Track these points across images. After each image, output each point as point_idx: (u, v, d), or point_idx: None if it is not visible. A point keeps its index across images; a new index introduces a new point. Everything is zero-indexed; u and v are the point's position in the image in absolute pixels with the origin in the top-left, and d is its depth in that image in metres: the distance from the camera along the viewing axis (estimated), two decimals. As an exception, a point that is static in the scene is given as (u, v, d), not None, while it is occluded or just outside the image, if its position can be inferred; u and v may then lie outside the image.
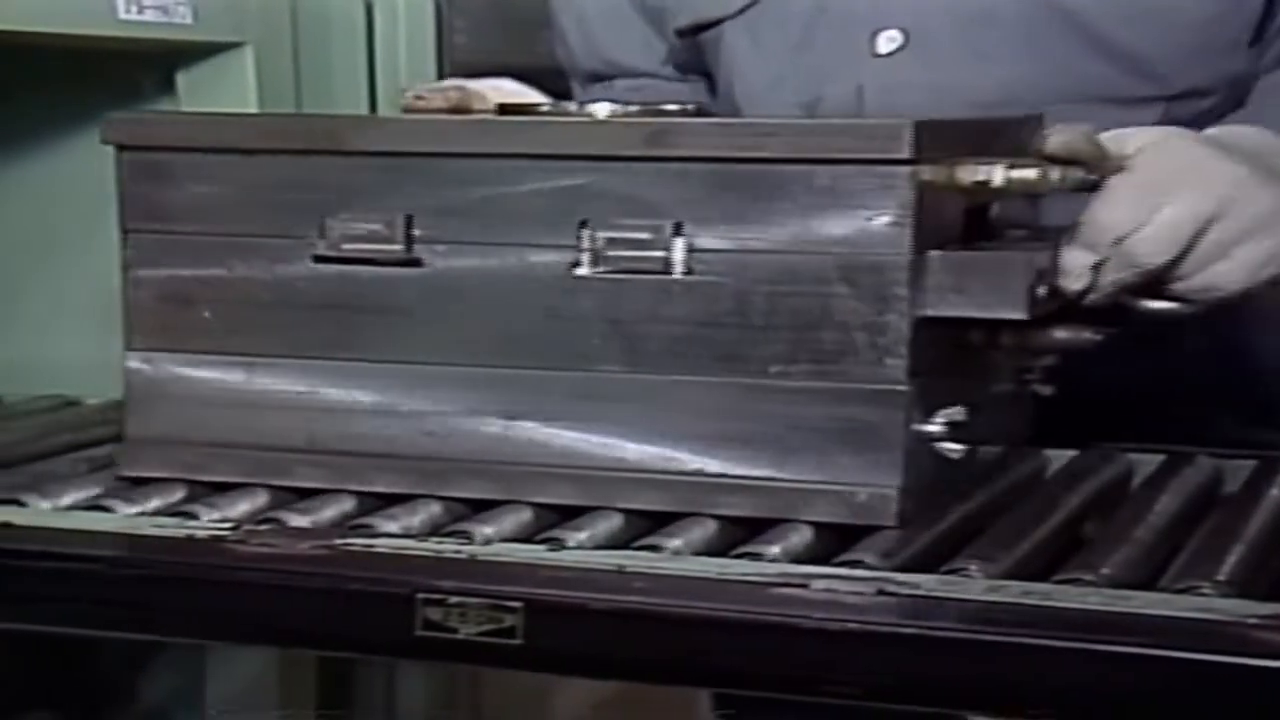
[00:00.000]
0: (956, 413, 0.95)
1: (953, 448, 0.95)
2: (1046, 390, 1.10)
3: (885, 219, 0.92)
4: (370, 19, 1.45)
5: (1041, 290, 0.96)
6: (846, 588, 0.82)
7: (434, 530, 0.97)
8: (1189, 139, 1.04)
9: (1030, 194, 1.00)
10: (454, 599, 0.88)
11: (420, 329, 1.00)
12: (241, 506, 1.01)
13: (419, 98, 1.15)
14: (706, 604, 0.84)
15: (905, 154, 0.91)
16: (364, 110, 1.47)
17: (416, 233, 0.99)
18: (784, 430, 0.94)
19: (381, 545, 0.94)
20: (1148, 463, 1.13)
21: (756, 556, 0.90)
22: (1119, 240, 0.99)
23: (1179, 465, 1.11)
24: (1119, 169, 1.00)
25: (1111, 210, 0.99)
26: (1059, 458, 1.14)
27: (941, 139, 0.95)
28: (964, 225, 1.00)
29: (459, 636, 0.88)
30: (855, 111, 1.20)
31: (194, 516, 1.00)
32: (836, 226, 0.92)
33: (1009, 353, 1.02)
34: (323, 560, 0.93)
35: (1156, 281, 1.02)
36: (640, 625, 0.85)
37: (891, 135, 0.91)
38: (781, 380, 0.94)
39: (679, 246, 0.95)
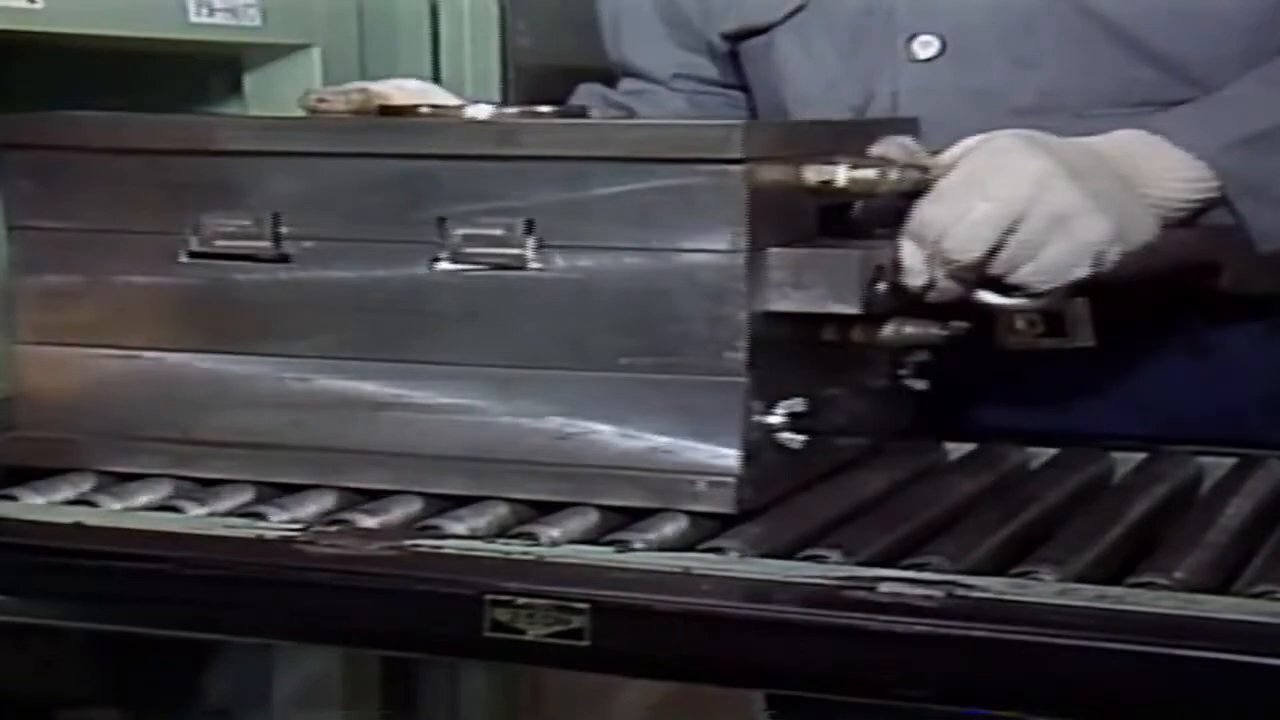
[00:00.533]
0: (797, 404, 0.99)
1: (793, 438, 0.98)
2: (920, 385, 1.14)
3: (721, 217, 0.95)
4: (435, 20, 1.45)
5: (882, 286, 1.00)
6: (915, 591, 0.81)
7: (500, 532, 0.97)
8: (1011, 138, 1.04)
9: (869, 194, 1.02)
10: (521, 600, 0.88)
11: (290, 322, 1.04)
12: (310, 508, 1.02)
13: (321, 100, 1.16)
14: (774, 606, 0.84)
15: (737, 154, 0.94)
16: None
17: (284, 230, 1.02)
18: (631, 420, 0.97)
19: (449, 547, 0.95)
20: (1218, 466, 1.12)
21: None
22: (938, 237, 1.02)
23: (1250, 468, 1.10)
24: (949, 169, 1.03)
25: (932, 207, 1.02)
26: (1125, 461, 1.14)
27: (784, 141, 1.01)
28: (821, 223, 1.03)
29: (527, 638, 0.88)
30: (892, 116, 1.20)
31: (263, 517, 1.00)
32: (676, 224, 0.96)
33: (866, 348, 1.05)
34: (391, 561, 0.93)
35: (991, 277, 1.03)
36: (707, 627, 0.85)
37: (723, 137, 0.95)
38: (628, 372, 0.97)
39: (530, 244, 0.98)
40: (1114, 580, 0.87)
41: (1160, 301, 1.19)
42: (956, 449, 1.18)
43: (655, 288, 0.96)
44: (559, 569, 0.91)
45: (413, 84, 1.23)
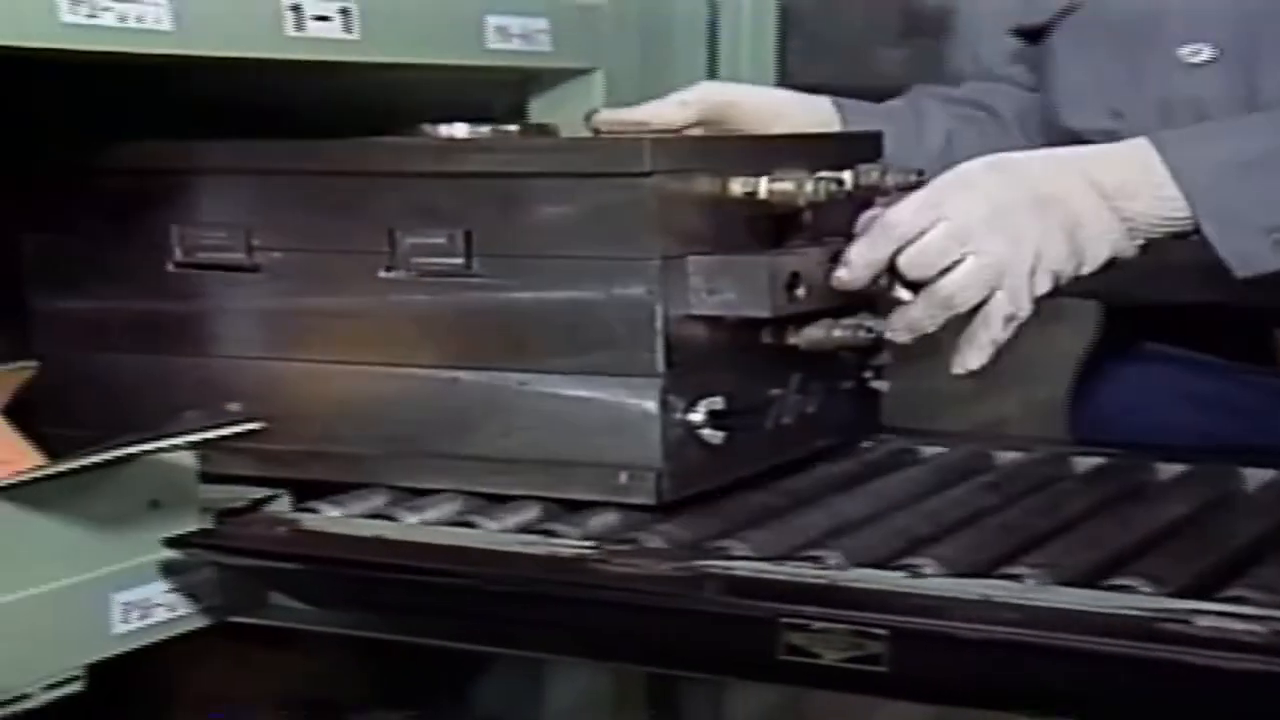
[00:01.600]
0: (717, 402, 1.05)
1: (714, 434, 1.05)
2: (883, 386, 1.20)
3: (634, 227, 1.02)
4: (713, 40, 1.46)
5: (800, 291, 1.06)
6: (1237, 625, 0.79)
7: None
8: (980, 163, 1.08)
9: (791, 205, 1.07)
10: (817, 624, 0.88)
11: (262, 328, 1.12)
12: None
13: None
14: (1085, 637, 0.82)
15: (645, 169, 1.01)
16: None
17: (255, 242, 1.11)
18: (561, 415, 1.04)
19: (740, 569, 0.95)
20: None
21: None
22: (901, 243, 1.06)
23: None
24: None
25: (896, 211, 1.07)
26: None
27: (698, 155, 1.07)
28: (778, 233, 1.10)
29: (822, 662, 0.88)
30: (1160, 124, 1.17)
31: (555, 535, 1.02)
32: (597, 235, 1.03)
33: (801, 351, 1.10)
34: (683, 582, 0.94)
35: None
36: (1012, 656, 0.84)
37: (632, 153, 1.02)
38: (558, 373, 1.04)
39: (469, 252, 1.06)
40: None
41: None
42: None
43: (581, 294, 1.03)
44: (855, 594, 0.90)
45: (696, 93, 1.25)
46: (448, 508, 1.07)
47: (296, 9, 1.11)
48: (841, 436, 1.19)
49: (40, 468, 1.00)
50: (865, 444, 1.23)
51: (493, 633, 1.01)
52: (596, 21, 1.37)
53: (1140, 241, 1.09)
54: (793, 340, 1.09)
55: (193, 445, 1.00)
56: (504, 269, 1.05)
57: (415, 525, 1.04)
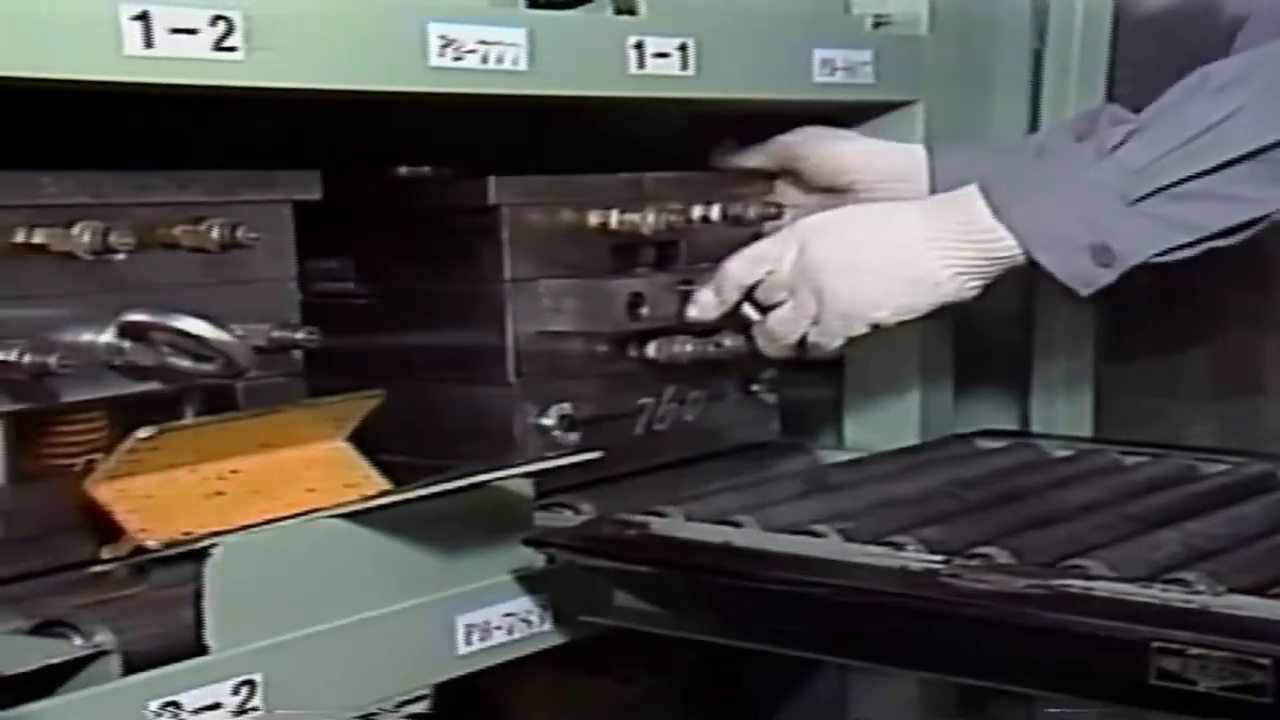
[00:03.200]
0: (566, 408, 1.17)
1: (565, 436, 1.17)
2: (770, 398, 1.34)
3: (487, 253, 1.15)
4: (1038, 72, 1.42)
5: (644, 311, 1.21)
6: None
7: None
8: (820, 215, 1.23)
9: (636, 234, 1.21)
10: (1193, 650, 0.85)
11: None
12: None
13: None
14: None
15: (490, 202, 1.14)
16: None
17: None
18: (441, 421, 1.17)
19: (1101, 589, 0.93)
20: None
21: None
22: (739, 292, 1.23)
23: None
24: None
25: (733, 262, 1.23)
26: None
27: (548, 190, 1.18)
28: (660, 258, 1.26)
29: (1198, 689, 0.85)
30: None
31: (902, 548, 1.01)
32: (462, 260, 1.17)
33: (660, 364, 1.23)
34: (1040, 600, 0.92)
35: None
36: None
37: (480, 189, 1.15)
38: (436, 383, 1.17)
39: (360, 280, 1.20)
40: None
41: None
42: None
43: (451, 312, 1.17)
44: (1232, 620, 0.87)
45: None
46: (792, 517, 1.07)
47: (639, 46, 1.14)
48: (729, 443, 1.32)
49: (387, 493, 1.03)
50: (1221, 467, 1.20)
51: (839, 644, 1.00)
52: (919, 52, 1.36)
53: (975, 284, 1.19)
54: (651, 354, 1.22)
55: (532, 474, 1.04)
56: (389, 293, 1.20)
57: (762, 533, 1.04)
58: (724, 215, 1.26)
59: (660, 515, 1.07)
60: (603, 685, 1.42)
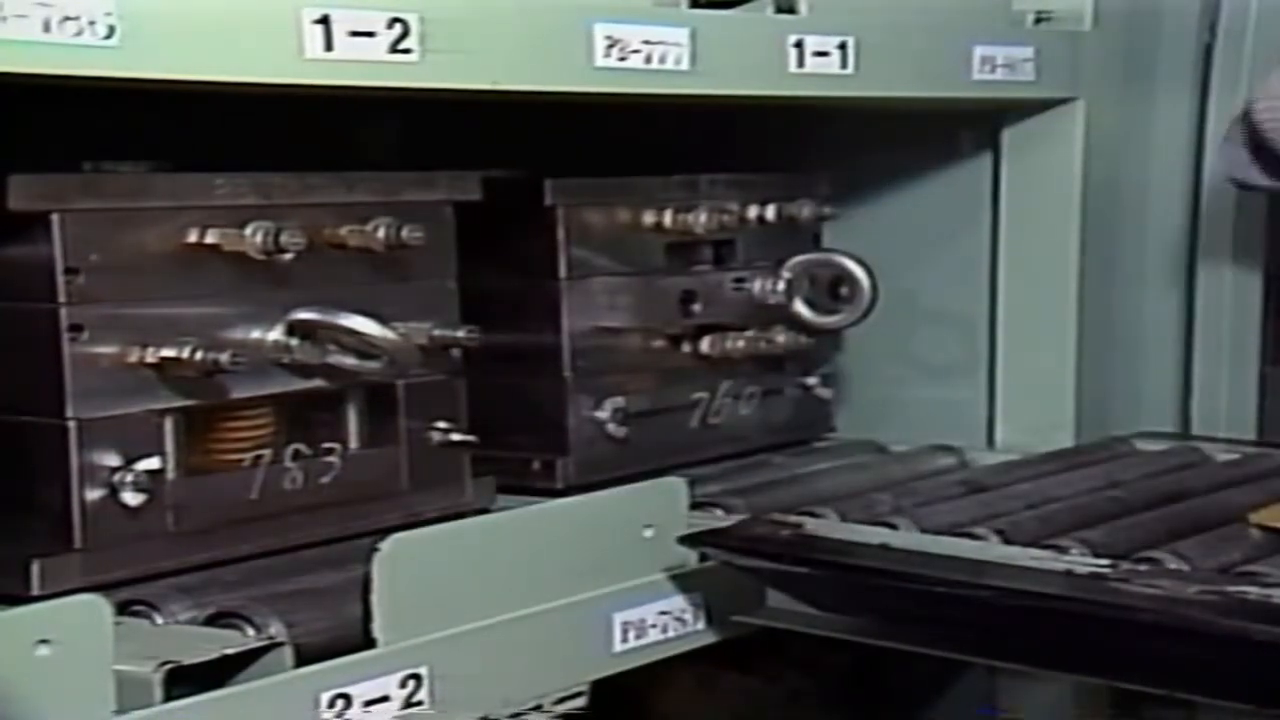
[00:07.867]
0: (620, 401, 1.20)
1: (618, 429, 1.20)
2: (826, 393, 1.37)
3: (543, 251, 1.19)
4: (1207, 67, 1.38)
5: (696, 307, 1.25)
6: None
7: None
8: None
9: (689, 232, 1.24)
10: (1376, 661, 0.83)
11: None
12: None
13: None
14: None
15: (548, 202, 1.18)
16: (1183, 164, 1.39)
17: None
18: (497, 413, 1.16)
19: (1278, 596, 0.91)
20: None
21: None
22: None
23: None
24: None
25: None
26: None
27: (602, 191, 1.21)
28: (717, 256, 1.29)
29: (1376, 701, 0.83)
30: None
31: (1065, 551, 0.99)
32: (519, 258, 1.20)
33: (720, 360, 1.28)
34: (1216, 607, 0.90)
35: None
36: None
37: (535, 188, 1.18)
38: (492, 375, 1.16)
39: None
40: None
41: None
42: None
43: (508, 308, 1.19)
44: None
45: None
46: (949, 518, 1.06)
47: (799, 45, 1.13)
48: (787, 437, 1.36)
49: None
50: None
51: (999, 647, 0.99)
52: (1081, 49, 1.33)
53: None
54: (705, 350, 1.26)
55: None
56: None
57: (918, 534, 1.03)
58: (779, 215, 1.28)
59: (814, 515, 1.07)
60: (749, 683, 1.42)
